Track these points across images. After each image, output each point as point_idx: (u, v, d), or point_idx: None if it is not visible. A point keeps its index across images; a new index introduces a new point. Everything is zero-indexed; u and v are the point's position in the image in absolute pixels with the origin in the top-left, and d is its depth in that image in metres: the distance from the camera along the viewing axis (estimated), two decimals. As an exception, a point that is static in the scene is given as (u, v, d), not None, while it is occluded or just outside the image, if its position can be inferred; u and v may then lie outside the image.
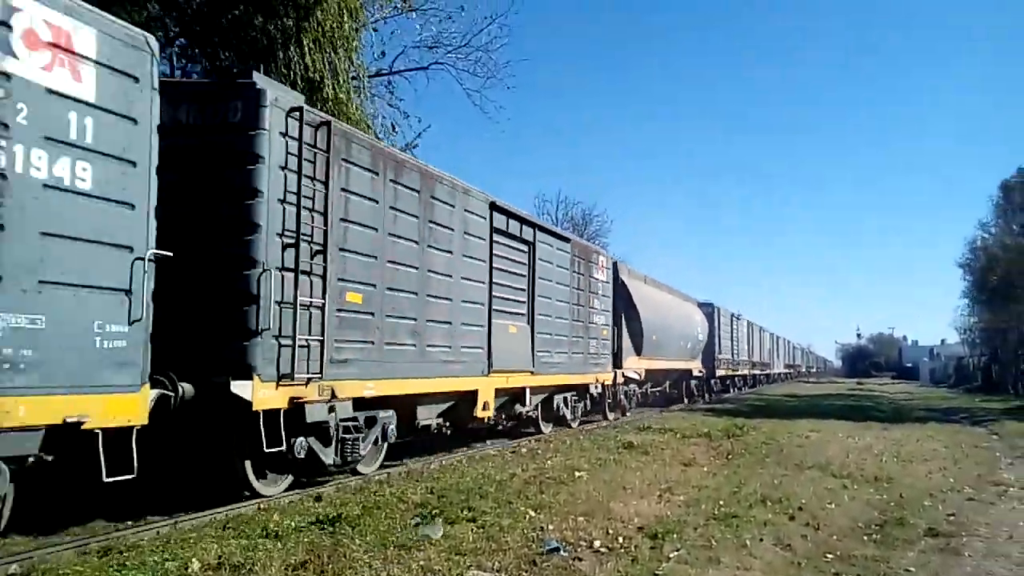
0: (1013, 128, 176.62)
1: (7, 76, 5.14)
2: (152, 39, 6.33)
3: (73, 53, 5.60)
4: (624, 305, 20.40)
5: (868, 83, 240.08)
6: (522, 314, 13.83)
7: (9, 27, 5.17)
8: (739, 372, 41.24)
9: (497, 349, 12.37)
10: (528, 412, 14.47)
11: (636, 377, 21.59)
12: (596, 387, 17.98)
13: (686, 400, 29.18)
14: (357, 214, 8.93)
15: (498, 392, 12.70)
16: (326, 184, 8.29)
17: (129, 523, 7.07)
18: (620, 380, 19.95)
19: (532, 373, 13.97)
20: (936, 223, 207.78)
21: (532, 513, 7.59)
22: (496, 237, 12.69)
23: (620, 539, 6.73)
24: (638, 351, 21.27)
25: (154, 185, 6.26)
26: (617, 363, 19.54)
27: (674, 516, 7.75)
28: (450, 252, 11.08)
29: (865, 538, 7.47)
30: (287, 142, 7.85)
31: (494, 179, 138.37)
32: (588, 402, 18.00)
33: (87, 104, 5.70)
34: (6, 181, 5.09)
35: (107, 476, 5.81)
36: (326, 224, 8.25)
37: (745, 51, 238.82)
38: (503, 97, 35.34)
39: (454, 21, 20.05)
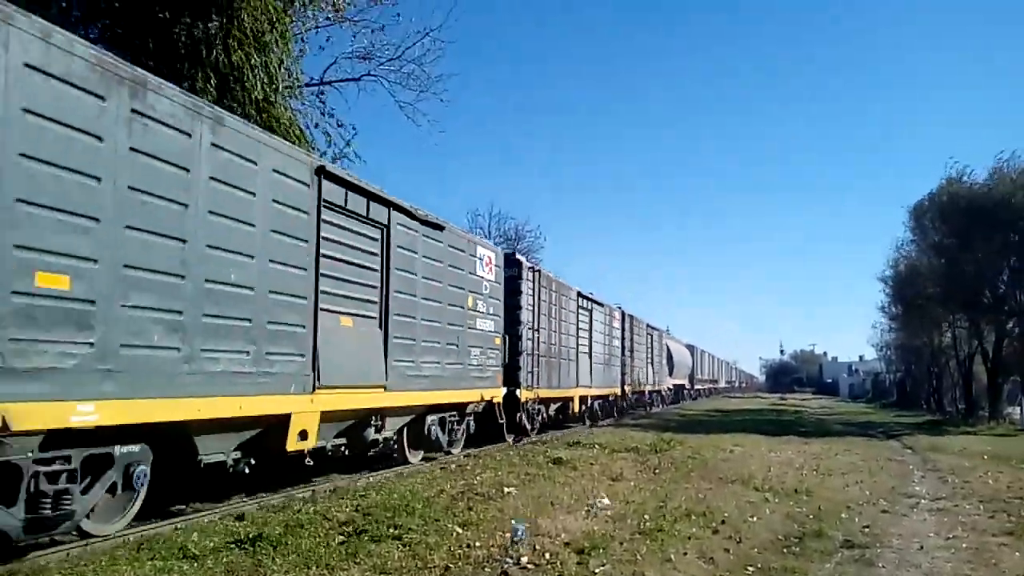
0: (936, 142, 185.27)
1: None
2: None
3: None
4: (660, 348, 41.07)
5: (797, 100, 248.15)
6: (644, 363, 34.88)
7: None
8: (705, 386, 68.66)
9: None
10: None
11: (669, 387, 45.22)
12: (662, 391, 41.40)
13: (680, 401, 51.61)
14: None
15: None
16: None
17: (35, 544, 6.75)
18: (662, 388, 41.59)
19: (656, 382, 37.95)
20: (859, 240, 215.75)
21: (459, 530, 7.54)
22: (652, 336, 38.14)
23: (547, 555, 6.73)
24: (670, 375, 45.12)
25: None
26: (669, 378, 44.01)
27: (601, 531, 7.79)
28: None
29: (785, 550, 7.65)
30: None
31: (428, 194, 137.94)
32: (660, 397, 41.08)
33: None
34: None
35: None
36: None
37: (679, 68, 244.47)
38: (437, 111, 35.20)
39: (386, 34, 19.88)
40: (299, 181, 8.92)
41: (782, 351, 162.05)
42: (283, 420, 8.63)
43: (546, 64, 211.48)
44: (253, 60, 13.32)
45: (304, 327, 8.90)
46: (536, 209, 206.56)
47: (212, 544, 6.67)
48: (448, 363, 13.08)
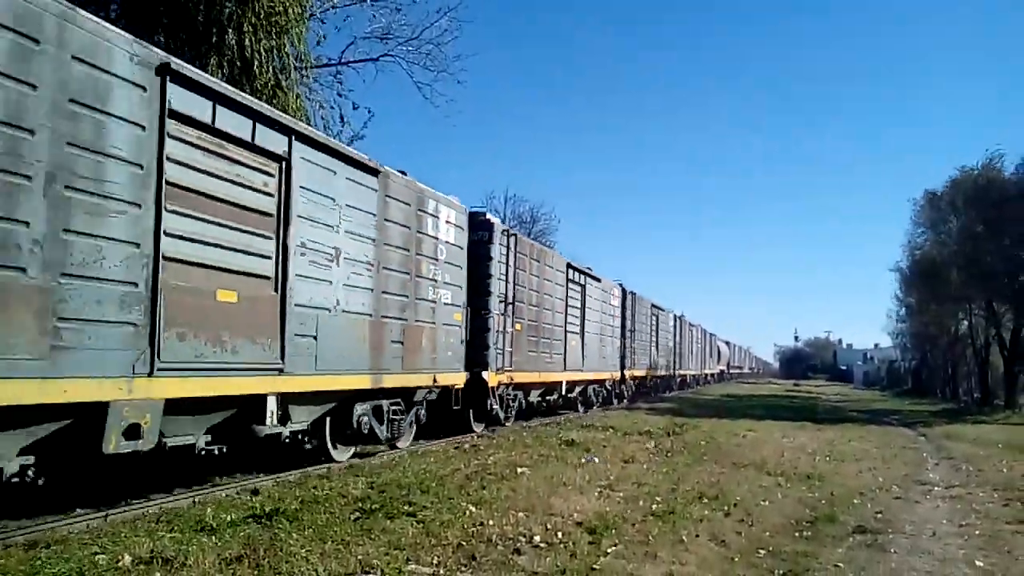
0: (948, 129, 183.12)
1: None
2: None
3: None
4: (715, 346, 64.85)
5: (816, 88, 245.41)
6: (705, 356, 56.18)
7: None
8: (734, 371, 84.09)
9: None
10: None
11: (716, 372, 64.82)
12: (713, 374, 61.91)
13: (721, 380, 68.13)
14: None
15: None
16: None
17: (60, 516, 6.86)
18: (713, 372, 63.27)
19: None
20: (875, 226, 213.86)
21: (472, 508, 7.60)
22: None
23: (559, 534, 6.78)
24: (717, 362, 65.19)
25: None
26: (718, 365, 66.11)
27: (613, 512, 7.84)
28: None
29: (797, 534, 7.66)
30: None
31: (444, 175, 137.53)
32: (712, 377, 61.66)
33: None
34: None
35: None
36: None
37: (700, 51, 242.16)
38: (454, 91, 35.16)
39: (404, 14, 19.87)
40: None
41: (796, 338, 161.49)
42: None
43: (563, 46, 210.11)
44: (266, 44, 13.34)
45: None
46: (550, 193, 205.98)
47: (230, 518, 6.75)
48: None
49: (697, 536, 7.15)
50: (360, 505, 7.48)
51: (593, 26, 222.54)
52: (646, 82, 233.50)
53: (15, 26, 5.58)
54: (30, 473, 6.22)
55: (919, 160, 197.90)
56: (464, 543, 6.32)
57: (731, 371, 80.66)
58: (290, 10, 13.77)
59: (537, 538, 6.60)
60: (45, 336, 5.73)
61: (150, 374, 6.63)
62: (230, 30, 12.85)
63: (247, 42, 12.99)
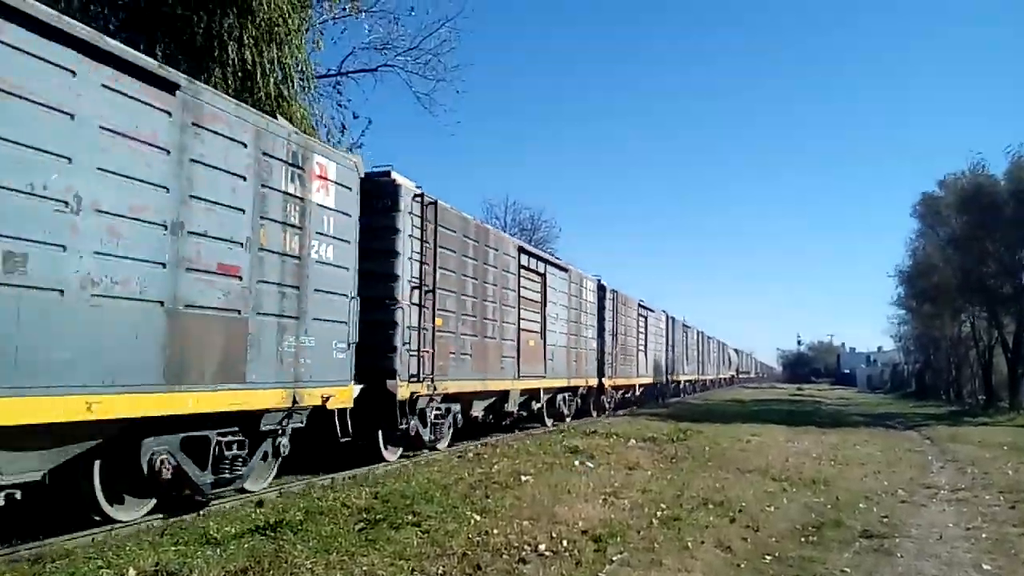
0: (949, 130, 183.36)
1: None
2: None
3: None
4: (727, 354, 74.23)
5: (815, 91, 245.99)
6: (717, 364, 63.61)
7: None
8: (742, 376, 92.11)
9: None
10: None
11: (728, 376, 73.01)
12: (725, 378, 69.36)
13: (732, 384, 74.55)
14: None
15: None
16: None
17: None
18: (725, 376, 69.44)
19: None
20: (875, 229, 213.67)
21: (477, 517, 7.59)
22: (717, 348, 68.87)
23: (564, 542, 6.76)
24: (728, 368, 74.62)
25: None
26: (729, 370, 74.53)
27: (618, 519, 7.81)
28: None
29: (803, 539, 7.65)
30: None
31: (444, 182, 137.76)
32: (724, 381, 67.71)
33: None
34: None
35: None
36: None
37: (691, 59, 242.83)
38: (452, 100, 35.44)
39: (403, 25, 19.92)
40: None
41: (799, 342, 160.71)
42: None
43: (561, 54, 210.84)
44: (267, 55, 13.35)
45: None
46: (550, 198, 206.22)
47: (234, 530, 6.74)
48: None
49: (703, 543, 7.13)
50: (364, 515, 7.46)
51: (590, 30, 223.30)
52: (645, 85, 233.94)
53: (494, 247, 14.69)
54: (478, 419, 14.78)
55: (922, 161, 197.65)
56: (469, 552, 6.31)
57: (740, 375, 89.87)
58: (290, 21, 13.79)
59: (542, 547, 6.58)
60: (499, 363, 14.69)
61: (517, 379, 15.60)
62: (231, 42, 12.86)
63: (247, 54, 13.00)
